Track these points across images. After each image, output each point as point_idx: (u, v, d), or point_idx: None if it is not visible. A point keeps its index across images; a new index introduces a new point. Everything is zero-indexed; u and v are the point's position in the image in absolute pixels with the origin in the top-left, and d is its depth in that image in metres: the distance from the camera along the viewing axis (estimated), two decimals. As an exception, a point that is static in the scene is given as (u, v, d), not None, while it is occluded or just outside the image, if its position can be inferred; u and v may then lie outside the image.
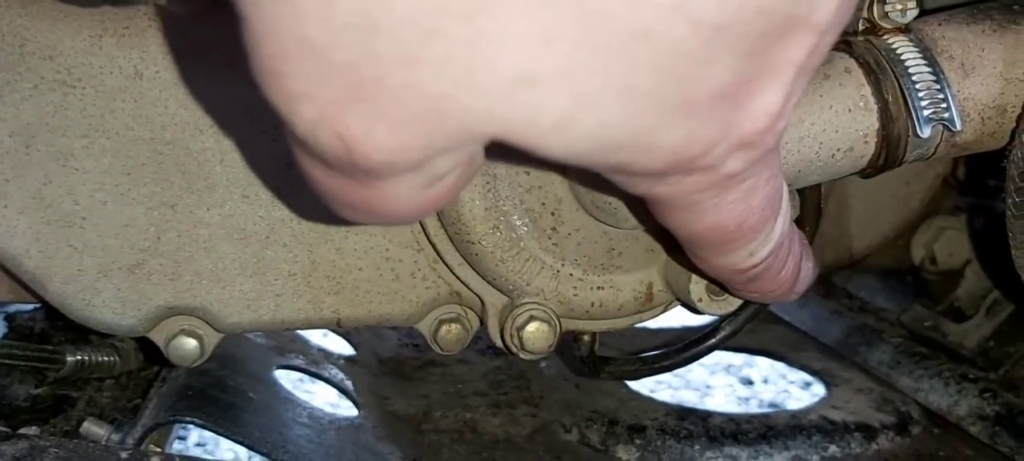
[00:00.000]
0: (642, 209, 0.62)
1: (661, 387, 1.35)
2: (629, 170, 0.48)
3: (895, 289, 1.29)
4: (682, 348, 0.89)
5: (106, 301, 0.75)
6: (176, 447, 1.20)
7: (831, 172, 0.71)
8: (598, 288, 0.76)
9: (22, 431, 0.86)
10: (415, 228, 0.77)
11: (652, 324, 0.87)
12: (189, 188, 0.74)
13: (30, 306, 1.00)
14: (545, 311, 0.76)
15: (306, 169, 0.48)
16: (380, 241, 0.77)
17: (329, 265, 0.77)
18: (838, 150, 0.69)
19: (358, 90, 0.41)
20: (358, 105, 0.41)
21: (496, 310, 0.78)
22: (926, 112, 0.69)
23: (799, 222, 0.76)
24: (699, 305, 0.75)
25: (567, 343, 0.82)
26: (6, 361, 0.90)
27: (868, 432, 1.07)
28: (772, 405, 1.36)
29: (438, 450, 1.01)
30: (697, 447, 1.05)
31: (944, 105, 0.69)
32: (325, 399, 1.10)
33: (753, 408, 1.36)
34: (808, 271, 0.67)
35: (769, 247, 0.59)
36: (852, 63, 0.69)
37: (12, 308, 1.02)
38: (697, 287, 0.74)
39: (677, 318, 1.10)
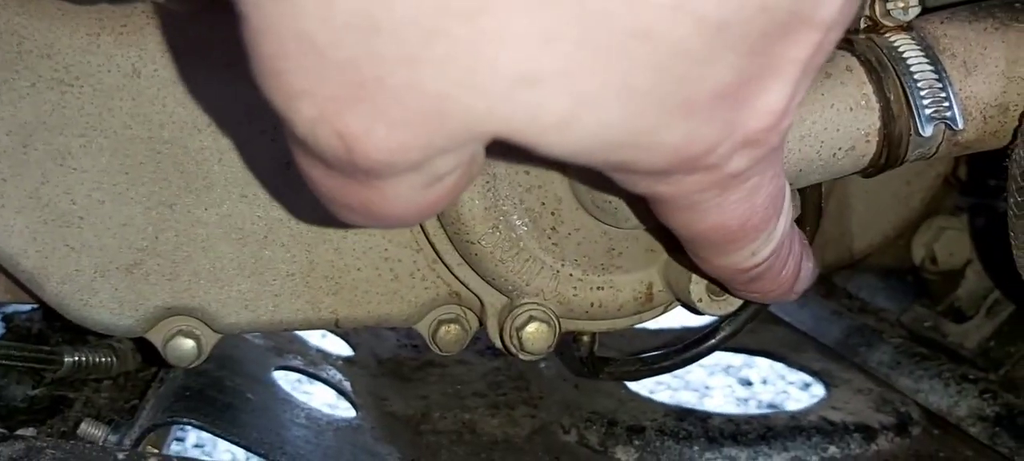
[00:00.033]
0: (643, 208, 0.62)
1: (660, 388, 1.35)
2: (631, 169, 0.48)
3: (895, 289, 1.29)
4: (682, 349, 0.88)
5: (103, 301, 0.74)
6: (174, 448, 1.20)
7: (832, 171, 0.70)
8: (598, 288, 0.76)
9: (19, 432, 0.85)
10: (414, 228, 0.77)
11: (652, 325, 0.87)
12: (187, 187, 0.73)
13: (28, 306, 1.00)
14: (544, 311, 0.76)
15: (305, 170, 0.48)
16: (379, 241, 0.77)
17: (327, 265, 0.77)
18: (839, 149, 0.69)
19: (358, 89, 0.41)
20: (358, 104, 0.41)
21: (495, 310, 0.78)
22: (928, 111, 0.68)
23: (800, 222, 0.76)
24: (699, 305, 0.75)
25: (566, 344, 0.82)
26: (3, 362, 0.90)
27: (868, 433, 1.06)
28: (771, 406, 1.36)
29: (437, 451, 1.01)
30: (696, 448, 1.04)
31: (946, 104, 0.69)
32: (323, 400, 1.10)
33: (752, 409, 1.36)
34: (808, 271, 0.67)
35: (771, 247, 0.58)
36: (854, 61, 0.69)
37: (10, 308, 1.02)
38: (697, 287, 0.74)
39: (677, 319, 1.10)
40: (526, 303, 0.76)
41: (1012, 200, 0.75)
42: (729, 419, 1.08)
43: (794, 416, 1.10)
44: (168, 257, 0.74)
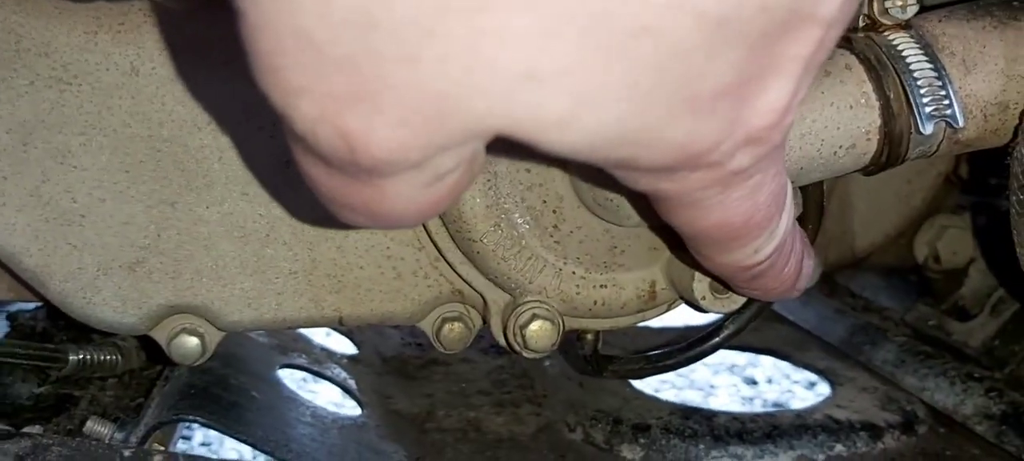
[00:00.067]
0: (646, 206, 0.62)
1: (665, 387, 1.34)
2: (633, 166, 0.48)
3: (899, 288, 1.28)
4: (686, 347, 0.88)
5: (106, 299, 0.75)
6: (180, 447, 1.20)
7: (833, 169, 0.70)
8: (601, 286, 0.76)
9: (25, 430, 0.85)
10: (416, 226, 0.77)
11: (655, 323, 0.87)
12: (188, 185, 0.74)
13: (32, 305, 1.00)
14: (548, 309, 0.76)
15: (305, 169, 0.48)
16: (381, 239, 0.77)
17: (330, 263, 0.77)
18: (840, 147, 0.69)
19: (358, 87, 0.41)
20: (358, 102, 0.41)
21: (499, 308, 0.78)
22: (928, 109, 0.68)
23: (802, 220, 0.76)
24: (703, 303, 0.75)
25: (570, 342, 0.82)
26: (9, 360, 0.90)
27: (874, 431, 1.06)
28: (776, 405, 1.36)
29: (442, 449, 1.01)
30: (702, 446, 1.04)
31: (946, 102, 0.69)
32: (328, 398, 1.10)
33: (758, 408, 1.36)
34: (809, 268, 0.67)
35: (773, 244, 0.58)
36: (853, 60, 0.69)
37: (14, 307, 1.02)
38: (701, 285, 0.74)
39: (680, 317, 1.10)
40: (529, 301, 0.76)
41: (1014, 198, 0.75)
42: (735, 417, 1.08)
43: (800, 415, 1.09)
44: (170, 255, 0.75)
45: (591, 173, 0.68)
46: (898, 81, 0.68)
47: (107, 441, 0.84)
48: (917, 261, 1.23)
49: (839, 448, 1.05)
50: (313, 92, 0.41)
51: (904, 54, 0.69)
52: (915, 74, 0.68)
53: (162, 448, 0.88)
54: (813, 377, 1.26)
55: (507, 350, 0.78)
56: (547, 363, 1.17)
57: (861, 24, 0.71)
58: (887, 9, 0.70)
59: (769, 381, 1.44)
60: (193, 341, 0.77)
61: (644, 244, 0.76)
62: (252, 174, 0.74)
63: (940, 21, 0.72)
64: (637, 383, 1.16)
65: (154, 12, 0.70)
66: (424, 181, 0.46)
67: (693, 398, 1.37)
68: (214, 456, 1.30)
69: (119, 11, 0.70)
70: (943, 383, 1.11)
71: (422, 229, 0.76)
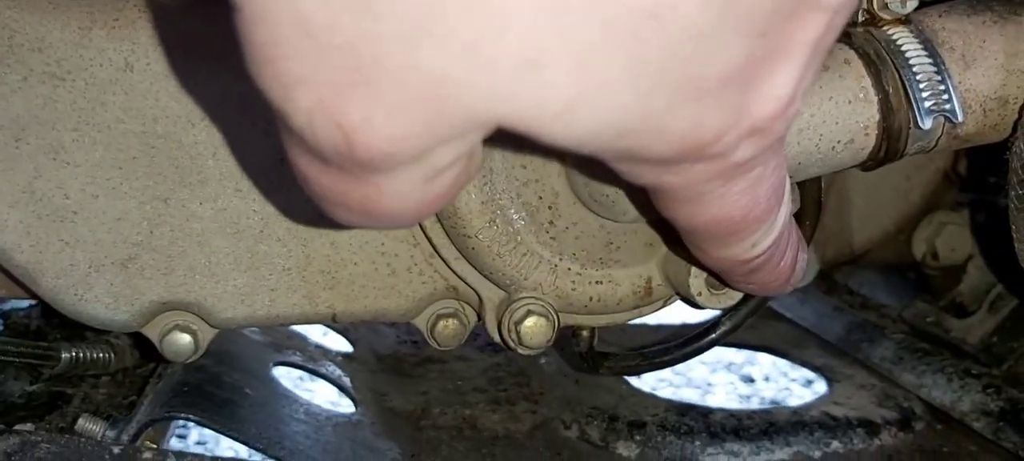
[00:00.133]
0: (643, 201, 0.61)
1: (662, 385, 1.34)
2: (637, 157, 0.47)
3: (896, 285, 1.28)
4: (682, 343, 0.88)
5: (99, 296, 0.74)
6: (176, 445, 1.19)
7: (831, 164, 0.70)
8: (596, 282, 0.76)
9: (17, 427, 0.85)
10: (411, 222, 0.76)
11: (651, 319, 0.87)
12: (181, 182, 0.73)
13: (25, 302, 1.00)
14: (543, 306, 0.75)
15: (300, 167, 0.47)
16: (375, 236, 0.77)
17: (324, 259, 0.76)
18: (838, 142, 0.68)
19: (356, 73, 0.40)
20: (356, 89, 0.41)
21: (493, 305, 0.78)
22: (927, 104, 0.68)
23: (800, 216, 0.75)
24: (699, 299, 0.75)
25: (566, 339, 0.82)
26: (1, 358, 0.90)
27: (871, 428, 1.06)
28: (773, 402, 1.36)
29: (437, 446, 1.00)
30: (698, 443, 1.04)
31: (945, 97, 0.68)
32: (323, 396, 1.10)
33: (754, 405, 1.35)
34: (803, 262, 0.67)
35: (771, 238, 0.58)
36: (852, 54, 0.69)
37: (7, 304, 1.02)
38: (697, 281, 0.74)
39: (677, 314, 1.10)
40: (524, 297, 0.75)
41: (1013, 194, 0.75)
42: (731, 414, 1.08)
43: (796, 412, 1.09)
44: (163, 252, 0.74)
45: (588, 168, 0.68)
46: (897, 76, 0.68)
47: (99, 439, 0.84)
48: (915, 258, 1.23)
49: (836, 445, 1.05)
50: (311, 81, 0.41)
51: (903, 49, 0.69)
52: (914, 69, 0.68)
53: (153, 446, 0.88)
54: (810, 374, 1.26)
55: (502, 347, 0.78)
56: (543, 360, 1.17)
57: (860, 19, 0.71)
58: (887, 4, 0.70)
59: (766, 378, 1.44)
60: (186, 338, 0.76)
61: (640, 240, 0.75)
62: (246, 170, 0.74)
63: (940, 16, 0.72)
64: (633, 380, 1.16)
65: (148, 8, 0.70)
66: (422, 177, 0.45)
67: (690, 395, 1.37)
68: (208, 455, 1.30)
69: (113, 7, 0.70)
70: (941, 380, 1.11)
71: (417, 225, 0.76)
